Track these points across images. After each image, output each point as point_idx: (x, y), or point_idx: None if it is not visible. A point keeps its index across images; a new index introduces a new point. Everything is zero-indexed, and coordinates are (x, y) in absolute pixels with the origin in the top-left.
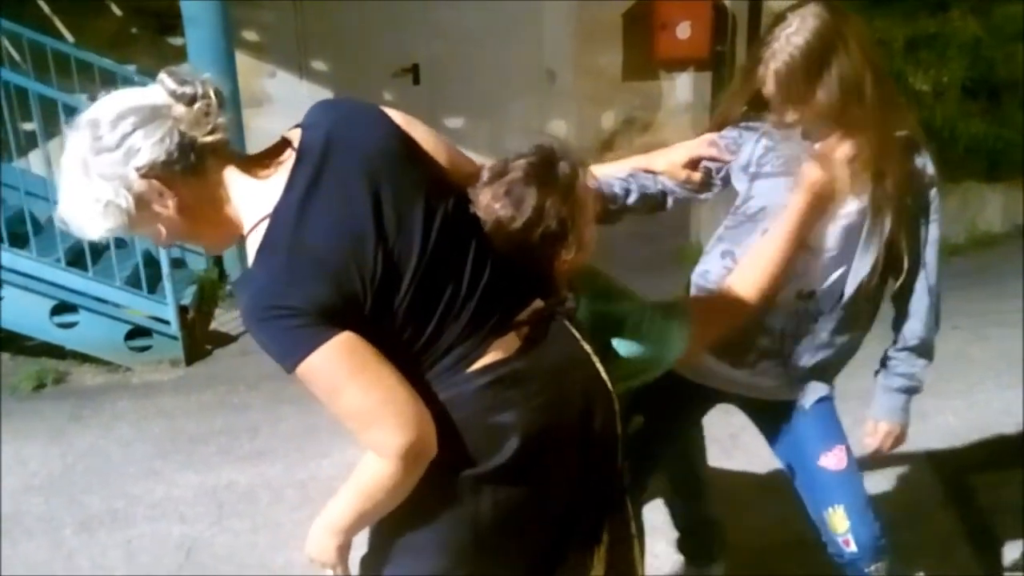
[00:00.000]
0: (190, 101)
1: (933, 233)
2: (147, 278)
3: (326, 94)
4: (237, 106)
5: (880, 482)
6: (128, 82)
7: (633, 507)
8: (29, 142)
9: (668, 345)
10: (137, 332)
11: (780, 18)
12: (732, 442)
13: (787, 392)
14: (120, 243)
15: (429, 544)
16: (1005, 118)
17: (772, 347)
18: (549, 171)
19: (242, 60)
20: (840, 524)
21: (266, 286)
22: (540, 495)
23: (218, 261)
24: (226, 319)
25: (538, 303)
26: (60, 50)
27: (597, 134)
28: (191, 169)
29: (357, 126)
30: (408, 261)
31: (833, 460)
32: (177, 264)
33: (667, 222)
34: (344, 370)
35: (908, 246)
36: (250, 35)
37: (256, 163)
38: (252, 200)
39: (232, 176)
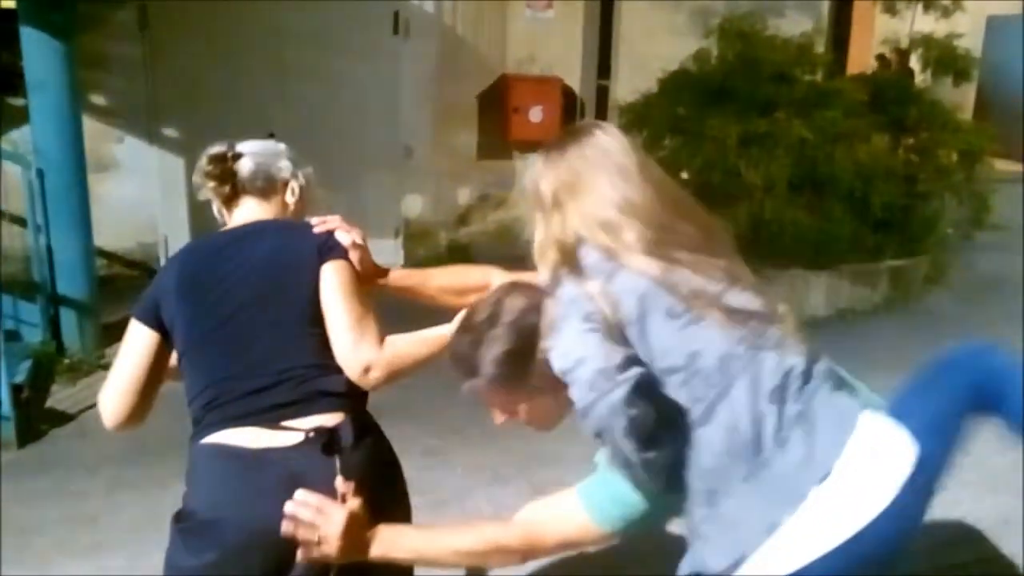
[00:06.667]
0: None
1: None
2: None
3: (175, 160)
4: (83, 171)
5: None
6: None
7: None
8: None
9: None
10: None
11: None
12: None
13: None
14: None
15: None
16: (827, 211)
17: None
18: None
19: (89, 124)
20: None
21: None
22: None
23: (56, 334)
24: (63, 396)
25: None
26: None
27: (453, 209)
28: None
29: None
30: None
31: None
32: (11, 336)
33: None
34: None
35: None
36: (98, 99)
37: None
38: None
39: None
